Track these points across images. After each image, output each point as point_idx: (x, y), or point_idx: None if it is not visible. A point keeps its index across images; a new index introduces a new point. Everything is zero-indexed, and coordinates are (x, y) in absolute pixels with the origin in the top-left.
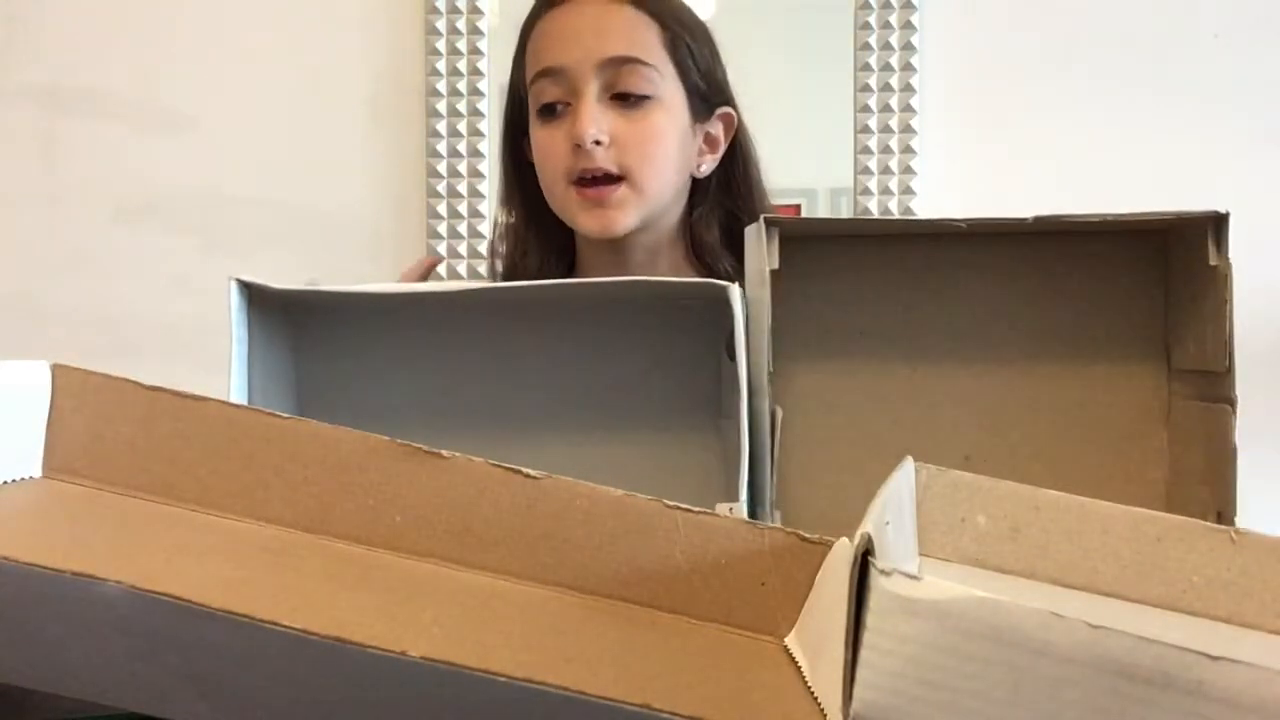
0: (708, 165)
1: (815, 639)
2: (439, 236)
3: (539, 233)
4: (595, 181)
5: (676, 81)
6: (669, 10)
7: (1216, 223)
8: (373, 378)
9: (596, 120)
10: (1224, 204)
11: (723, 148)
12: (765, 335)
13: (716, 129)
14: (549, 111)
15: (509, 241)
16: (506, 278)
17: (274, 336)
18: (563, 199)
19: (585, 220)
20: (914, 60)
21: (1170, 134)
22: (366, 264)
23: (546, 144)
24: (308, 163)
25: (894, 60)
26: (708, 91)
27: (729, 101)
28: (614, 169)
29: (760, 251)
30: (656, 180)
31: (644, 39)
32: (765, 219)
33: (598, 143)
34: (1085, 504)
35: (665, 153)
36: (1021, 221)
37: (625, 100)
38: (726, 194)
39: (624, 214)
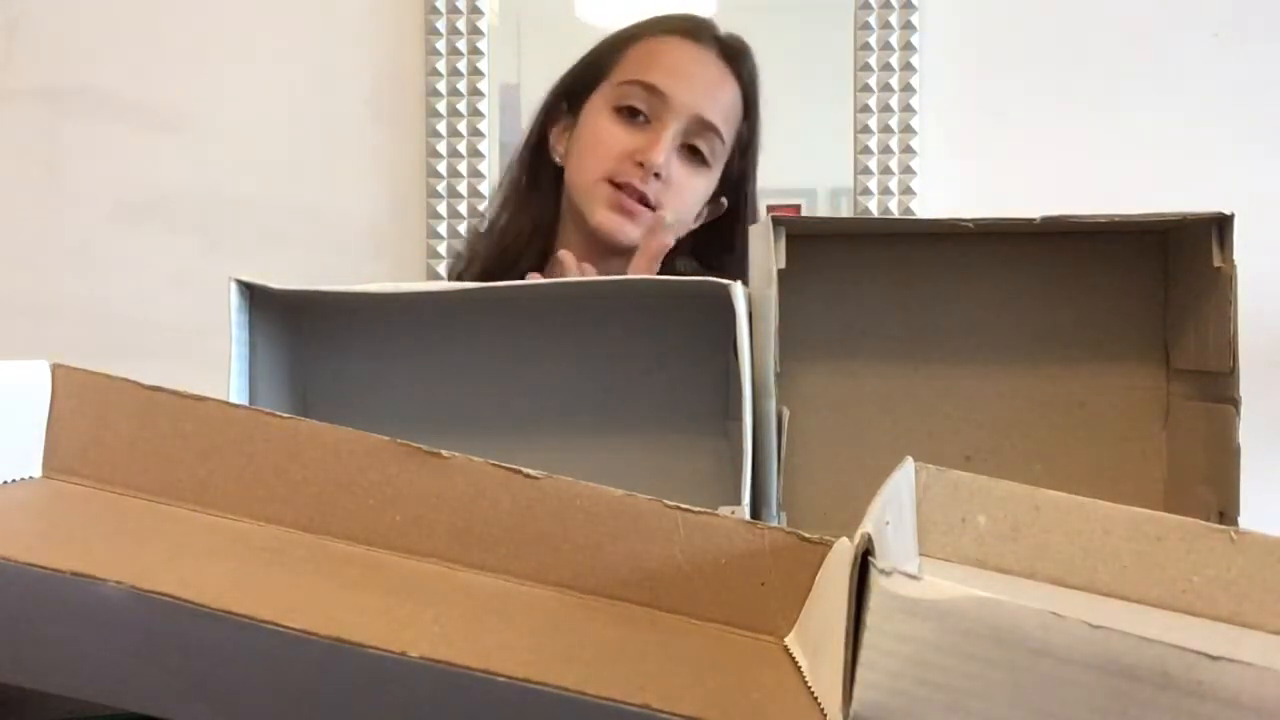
0: (690, 227)
1: (815, 639)
2: (439, 236)
3: (531, 203)
4: (634, 195)
5: (721, 164)
6: (754, 103)
7: (1221, 224)
8: (373, 378)
9: (669, 155)
10: (1222, 203)
11: (703, 220)
12: (771, 335)
13: (711, 207)
14: (628, 111)
15: (503, 202)
16: (485, 243)
17: (274, 337)
18: (593, 189)
19: (603, 216)
20: (914, 60)
21: (1169, 133)
22: (366, 264)
23: (611, 138)
24: (308, 163)
25: (894, 60)
26: (724, 188)
27: (734, 196)
28: (654, 200)
29: (767, 250)
30: (676, 229)
31: (734, 118)
32: (772, 218)
33: (657, 175)
34: (1085, 504)
35: (693, 212)
36: (1028, 222)
37: (692, 153)
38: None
39: (637, 229)
